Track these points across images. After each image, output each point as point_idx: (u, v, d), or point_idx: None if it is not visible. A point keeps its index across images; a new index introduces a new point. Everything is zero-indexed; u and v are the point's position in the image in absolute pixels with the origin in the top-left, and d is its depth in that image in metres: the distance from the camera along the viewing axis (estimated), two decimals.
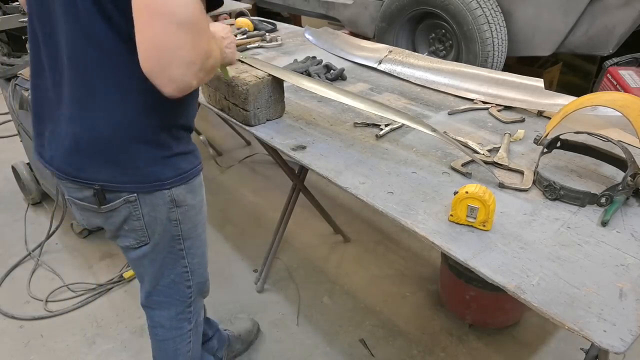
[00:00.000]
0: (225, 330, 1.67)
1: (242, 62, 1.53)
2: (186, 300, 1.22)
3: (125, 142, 0.90)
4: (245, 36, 2.31)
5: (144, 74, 0.78)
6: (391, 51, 1.95)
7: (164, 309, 1.23)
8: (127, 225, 1.01)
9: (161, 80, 0.76)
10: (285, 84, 1.47)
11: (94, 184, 0.94)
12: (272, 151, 1.66)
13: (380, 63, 1.94)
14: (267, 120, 1.47)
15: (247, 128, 1.45)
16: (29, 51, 0.98)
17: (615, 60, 2.53)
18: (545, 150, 1.18)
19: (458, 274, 1.71)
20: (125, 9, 0.76)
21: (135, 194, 0.96)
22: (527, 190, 1.08)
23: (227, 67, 1.37)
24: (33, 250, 2.30)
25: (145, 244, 1.05)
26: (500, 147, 1.25)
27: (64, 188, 1.02)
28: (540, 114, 1.47)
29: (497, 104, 1.53)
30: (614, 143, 1.08)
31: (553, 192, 1.03)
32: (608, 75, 2.46)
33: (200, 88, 1.32)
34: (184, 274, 1.16)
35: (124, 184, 0.94)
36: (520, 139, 1.32)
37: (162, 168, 0.95)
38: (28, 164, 2.63)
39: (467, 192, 0.94)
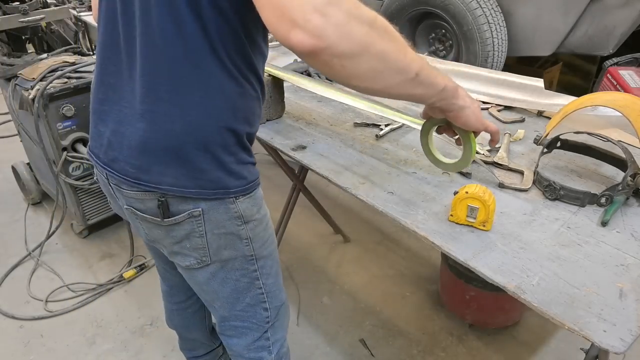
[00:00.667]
0: None
1: None
2: (264, 326, 1.12)
3: (197, 143, 0.84)
4: None
5: (225, 74, 0.78)
6: None
7: (240, 336, 1.13)
8: (188, 243, 0.94)
9: (281, 27, 0.64)
10: (285, 84, 1.47)
11: (156, 190, 0.87)
12: (272, 151, 1.66)
13: None
14: (267, 120, 1.47)
15: None
16: (97, 47, 0.93)
17: (615, 60, 2.52)
18: (545, 150, 1.18)
19: (458, 274, 1.71)
20: (221, 5, 0.74)
21: (200, 209, 0.89)
22: (527, 190, 1.08)
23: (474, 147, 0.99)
24: (33, 250, 2.30)
25: (206, 264, 0.98)
26: (500, 147, 1.25)
27: (123, 198, 0.95)
28: (540, 114, 1.47)
29: (497, 104, 1.53)
30: (614, 143, 1.08)
31: (553, 192, 1.03)
32: (608, 75, 2.45)
33: None
34: (259, 296, 1.07)
35: (188, 188, 0.87)
36: (520, 139, 1.32)
37: (227, 175, 0.89)
38: (28, 164, 2.63)
39: (467, 192, 0.94)
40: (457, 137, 1.02)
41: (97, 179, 1.04)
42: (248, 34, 0.81)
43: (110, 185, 0.95)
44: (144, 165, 0.86)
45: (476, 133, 0.97)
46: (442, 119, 0.97)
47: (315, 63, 0.67)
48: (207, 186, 0.88)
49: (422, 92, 0.80)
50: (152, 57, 0.80)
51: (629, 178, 0.99)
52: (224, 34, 0.77)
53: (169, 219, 0.91)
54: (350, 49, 0.65)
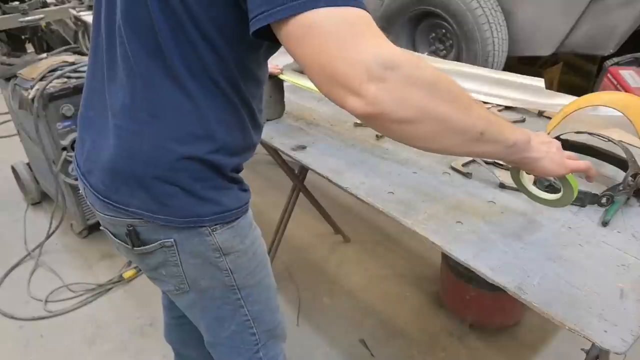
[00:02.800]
0: None
1: None
2: (253, 347, 1.05)
3: (165, 167, 0.78)
4: None
5: (207, 100, 0.74)
6: None
7: (231, 357, 1.06)
8: (164, 270, 0.90)
9: (335, 92, 0.61)
10: (285, 84, 1.47)
11: (124, 211, 0.83)
12: (273, 151, 1.66)
13: None
14: (267, 121, 1.46)
15: None
16: (89, 52, 0.89)
17: (615, 60, 2.52)
18: None
19: (458, 274, 1.71)
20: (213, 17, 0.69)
21: (172, 240, 0.84)
22: None
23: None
24: (33, 251, 2.30)
25: (185, 291, 0.93)
26: None
27: (98, 216, 0.91)
28: (540, 114, 1.46)
29: (497, 104, 1.53)
30: (614, 143, 1.07)
31: (553, 192, 1.03)
32: (608, 75, 2.45)
33: None
34: (245, 323, 1.00)
35: (156, 214, 0.81)
36: None
37: (199, 201, 0.82)
38: (28, 164, 2.63)
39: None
40: None
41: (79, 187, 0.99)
42: (242, 66, 0.77)
43: (88, 201, 0.92)
44: (113, 184, 0.82)
45: None
46: None
47: (372, 126, 0.65)
48: (178, 214, 0.81)
49: (488, 149, 0.73)
50: (130, 71, 0.76)
51: (629, 178, 0.99)
52: (211, 62, 0.73)
53: (139, 248, 0.87)
54: (407, 115, 0.61)
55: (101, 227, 0.94)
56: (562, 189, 0.87)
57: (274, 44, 0.68)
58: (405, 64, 0.59)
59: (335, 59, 0.58)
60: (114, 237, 0.91)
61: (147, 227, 0.84)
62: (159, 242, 0.85)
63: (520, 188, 0.98)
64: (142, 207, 0.82)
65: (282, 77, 1.45)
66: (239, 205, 0.87)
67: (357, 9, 0.59)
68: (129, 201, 0.82)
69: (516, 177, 0.95)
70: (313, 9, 0.58)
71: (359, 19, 0.59)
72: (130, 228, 0.84)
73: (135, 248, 0.87)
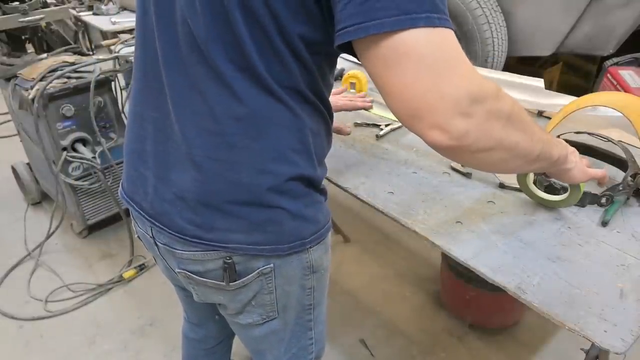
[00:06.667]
0: None
1: None
2: None
3: (270, 191, 0.71)
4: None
5: (299, 111, 0.68)
6: None
7: None
8: (254, 301, 0.82)
9: (417, 123, 0.57)
10: None
11: (221, 250, 0.74)
12: None
13: None
14: None
15: None
16: (134, 71, 0.80)
17: (615, 60, 2.52)
18: None
19: (458, 274, 1.71)
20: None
21: (272, 265, 0.77)
22: None
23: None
24: (33, 251, 2.30)
25: (272, 319, 0.86)
26: None
27: (174, 260, 0.80)
28: (540, 114, 1.47)
29: None
30: (614, 143, 1.07)
31: (553, 192, 1.03)
32: (608, 75, 2.45)
33: None
34: (308, 347, 0.96)
35: (261, 245, 0.74)
36: None
37: (304, 223, 0.76)
38: (28, 164, 2.63)
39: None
40: None
41: (136, 231, 0.89)
42: (322, 73, 0.72)
43: (157, 245, 0.82)
44: (206, 222, 0.73)
45: None
46: None
47: (444, 153, 0.62)
48: (284, 240, 0.75)
49: (538, 166, 0.76)
50: (218, 94, 0.67)
51: (629, 178, 0.99)
52: (298, 73, 0.68)
53: (236, 282, 0.77)
54: (485, 145, 0.61)
55: (178, 270, 0.81)
56: (569, 190, 0.92)
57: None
58: (489, 96, 0.58)
59: (427, 91, 0.54)
60: (199, 277, 0.80)
61: (245, 256, 0.76)
62: (258, 270, 0.77)
63: (524, 190, 1.00)
64: (244, 240, 0.74)
65: (372, 111, 1.41)
66: (329, 219, 0.82)
67: (450, 30, 0.55)
68: (228, 237, 0.74)
69: (522, 180, 0.98)
70: (411, 28, 0.53)
71: (453, 45, 0.56)
72: (229, 261, 0.75)
73: (231, 284, 0.77)
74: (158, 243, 0.81)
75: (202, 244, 0.74)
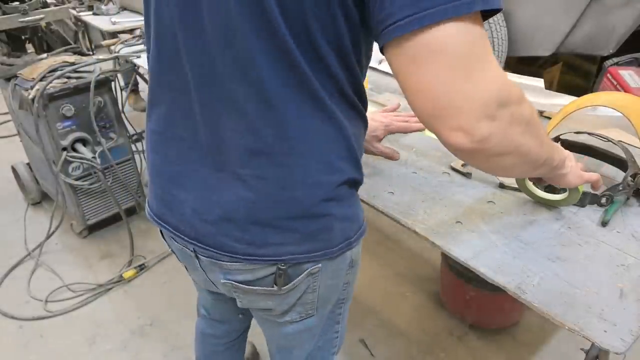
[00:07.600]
0: None
1: None
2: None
3: (323, 200, 0.71)
4: None
5: (344, 113, 0.67)
6: None
7: None
8: (300, 300, 0.83)
9: (440, 123, 0.56)
10: None
11: (274, 263, 0.73)
12: None
13: (380, 63, 1.93)
14: None
15: None
16: (153, 100, 0.76)
17: (615, 60, 2.52)
18: None
19: (458, 274, 1.71)
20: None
21: (320, 265, 0.76)
22: None
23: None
24: (33, 250, 2.30)
25: (310, 316, 0.86)
26: None
27: (220, 271, 0.79)
28: (540, 114, 1.47)
29: None
30: (614, 143, 1.07)
31: (553, 191, 1.03)
32: (608, 75, 2.45)
33: None
34: (333, 340, 0.97)
35: (312, 252, 0.74)
36: None
37: (350, 223, 0.77)
38: (28, 164, 2.63)
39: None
40: None
41: (171, 248, 0.88)
42: (361, 71, 0.71)
43: (199, 258, 0.80)
44: (258, 239, 0.72)
45: None
46: None
47: (461, 157, 0.62)
48: (334, 243, 0.76)
49: (541, 171, 0.76)
50: (265, 110, 0.64)
51: (629, 178, 0.99)
52: (343, 77, 0.66)
53: (287, 286, 0.77)
54: (504, 150, 0.60)
55: (223, 281, 0.80)
56: (568, 190, 0.94)
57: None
58: (513, 99, 0.57)
59: (455, 91, 0.53)
60: (247, 286, 0.79)
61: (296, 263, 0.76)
62: (307, 271, 0.77)
63: (524, 189, 1.01)
64: (296, 251, 0.73)
65: (427, 134, 1.33)
66: (362, 211, 0.84)
67: (481, 28, 0.53)
68: (281, 250, 0.73)
69: (521, 180, 1.00)
70: (442, 21, 0.50)
71: (484, 40, 0.53)
72: (283, 267, 0.74)
73: (282, 288, 0.77)
74: (200, 256, 0.80)
75: (255, 260, 0.74)
